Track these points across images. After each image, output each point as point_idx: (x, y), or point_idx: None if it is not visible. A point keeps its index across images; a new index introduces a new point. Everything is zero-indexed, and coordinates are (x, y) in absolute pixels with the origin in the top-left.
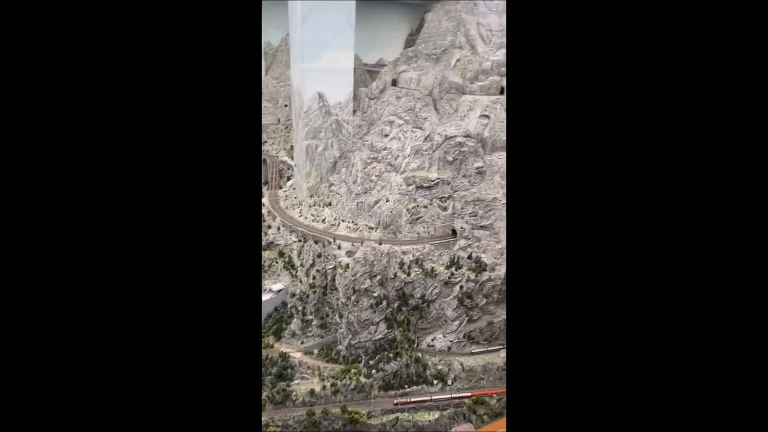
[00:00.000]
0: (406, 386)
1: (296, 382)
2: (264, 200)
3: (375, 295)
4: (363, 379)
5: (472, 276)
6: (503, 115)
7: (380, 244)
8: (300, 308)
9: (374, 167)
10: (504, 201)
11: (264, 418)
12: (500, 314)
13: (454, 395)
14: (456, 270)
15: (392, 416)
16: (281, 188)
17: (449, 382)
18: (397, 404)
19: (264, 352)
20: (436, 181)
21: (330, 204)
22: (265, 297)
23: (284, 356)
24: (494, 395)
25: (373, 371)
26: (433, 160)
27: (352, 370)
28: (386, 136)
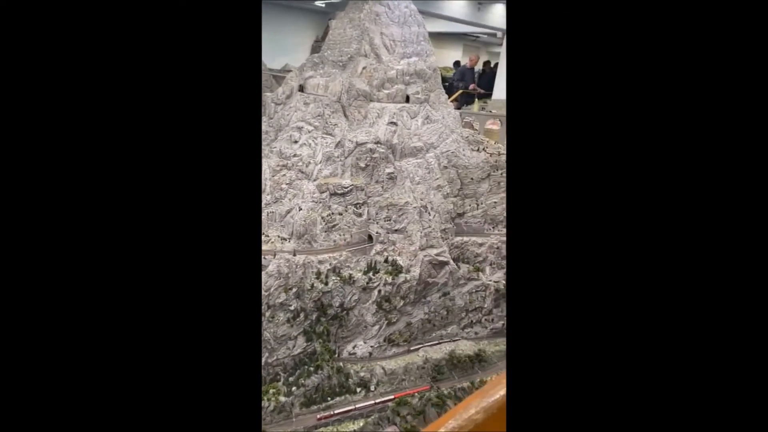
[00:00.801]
0: (329, 399)
1: None
2: None
3: (291, 308)
4: (283, 398)
5: (389, 279)
6: (410, 122)
7: (294, 255)
8: None
9: (284, 175)
10: (415, 205)
11: None
12: (417, 314)
13: (377, 400)
14: (374, 275)
15: None
16: None
17: (372, 387)
18: (320, 419)
19: None
20: (349, 188)
21: None
22: None
23: None
24: (416, 394)
25: (294, 388)
26: (346, 166)
27: (271, 390)
28: (296, 142)
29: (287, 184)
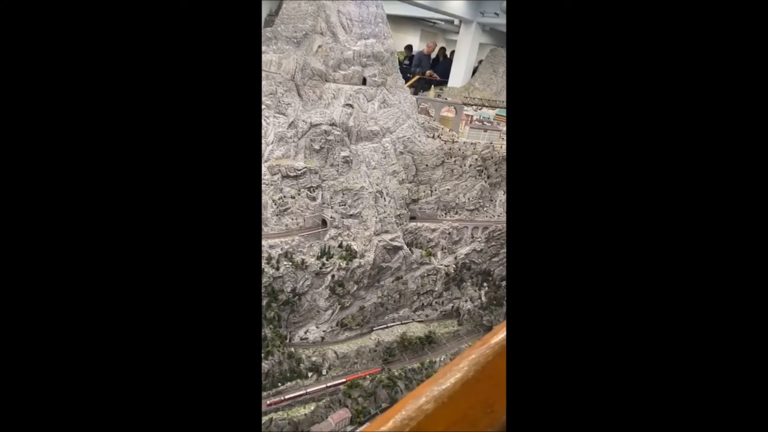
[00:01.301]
0: (280, 384)
1: None
2: None
3: None
4: None
5: (343, 264)
6: (366, 105)
7: None
8: None
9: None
10: (371, 190)
11: None
12: (370, 298)
13: (328, 384)
14: (327, 260)
15: (265, 418)
16: None
17: (324, 371)
18: (270, 404)
19: None
20: (303, 170)
21: None
22: None
23: None
24: (368, 376)
25: None
26: (299, 148)
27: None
28: None
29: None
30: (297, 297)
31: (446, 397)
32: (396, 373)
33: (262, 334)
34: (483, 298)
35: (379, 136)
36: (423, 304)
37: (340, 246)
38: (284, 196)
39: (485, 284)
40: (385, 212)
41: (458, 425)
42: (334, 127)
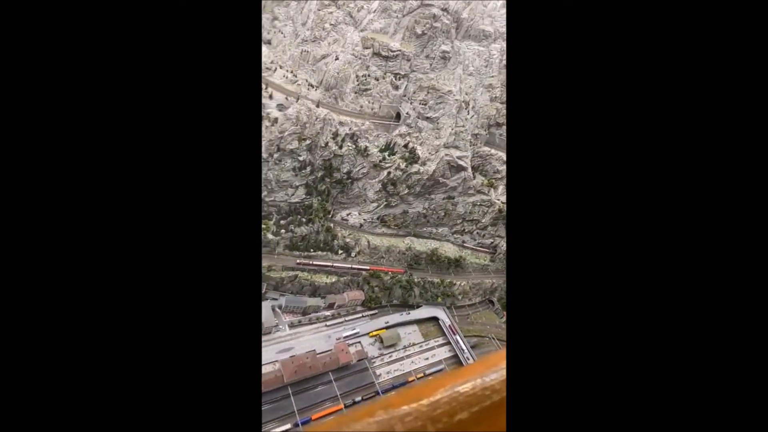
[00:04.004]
0: (312, 250)
1: None
2: None
3: (300, 159)
4: (270, 236)
5: (403, 165)
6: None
7: (318, 106)
8: None
9: (331, 13)
10: (458, 97)
11: None
12: (416, 206)
13: (354, 266)
14: (389, 155)
15: (292, 273)
16: None
17: (353, 254)
18: (298, 263)
19: None
20: (396, 53)
21: (269, 42)
22: None
23: None
24: (390, 273)
25: (283, 231)
26: (400, 26)
27: (261, 226)
28: None
29: (331, 24)
30: (350, 180)
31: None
32: (416, 280)
33: (310, 201)
34: None
35: (489, 40)
36: (464, 229)
37: (405, 146)
38: (368, 75)
39: None
40: (463, 127)
41: None
42: (445, 14)
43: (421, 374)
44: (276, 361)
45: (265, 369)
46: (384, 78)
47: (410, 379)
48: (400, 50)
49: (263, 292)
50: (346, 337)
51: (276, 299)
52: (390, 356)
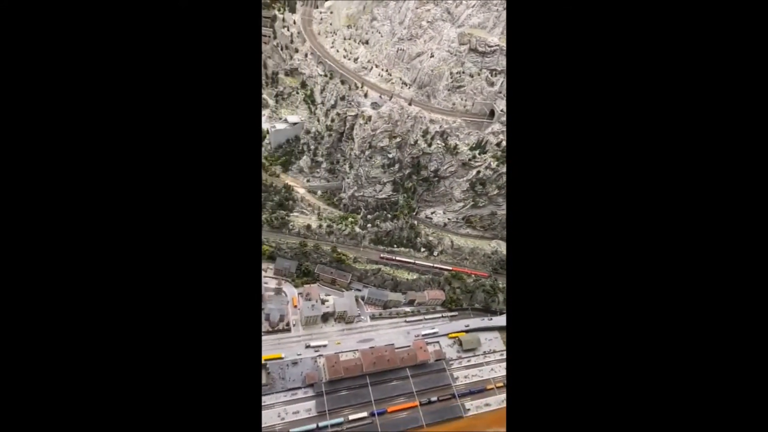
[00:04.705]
0: (395, 246)
1: (295, 214)
2: (296, 17)
3: (390, 156)
4: (357, 230)
5: (494, 164)
6: None
7: (410, 104)
8: (312, 147)
9: (428, 10)
10: None
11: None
12: (505, 207)
13: (436, 265)
14: (480, 154)
15: (375, 267)
16: (317, 8)
17: (435, 253)
18: (382, 258)
19: (269, 180)
20: (494, 48)
21: (367, 42)
22: (279, 126)
23: (288, 188)
24: (473, 275)
25: (369, 225)
26: (500, 20)
27: (350, 219)
28: None
29: (428, 22)
30: (437, 178)
31: None
32: (501, 286)
33: (396, 198)
34: None
35: None
36: None
37: (498, 145)
38: (463, 72)
39: None
40: None
41: None
42: None
43: (500, 383)
44: (356, 350)
45: (345, 356)
46: (479, 74)
47: (488, 387)
48: (498, 45)
49: (348, 282)
50: (425, 335)
51: (359, 290)
52: (468, 360)
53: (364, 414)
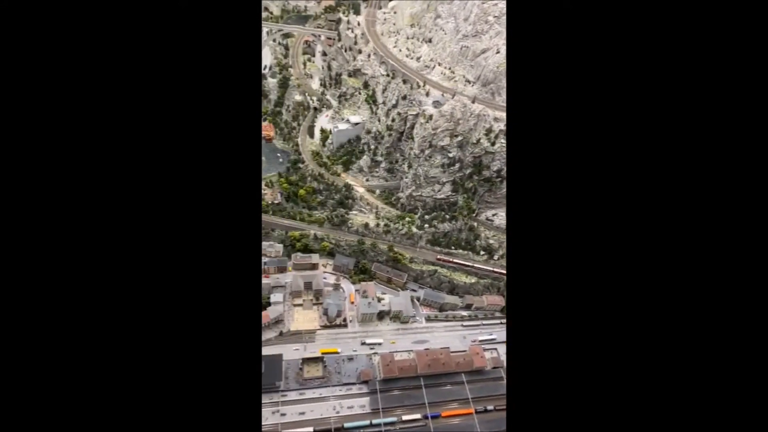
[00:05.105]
0: (453, 248)
1: (354, 212)
2: (359, 19)
3: (450, 155)
4: (415, 230)
5: None
6: None
7: (473, 102)
8: (372, 147)
9: (495, 4)
10: None
11: (320, 233)
12: None
13: (496, 269)
14: None
15: (432, 268)
16: (381, 9)
17: (496, 257)
18: (439, 259)
19: (330, 179)
20: None
21: (430, 41)
22: (341, 126)
23: (348, 187)
24: None
25: (426, 225)
26: None
27: (407, 219)
28: None
29: (495, 17)
30: (499, 179)
31: None
32: None
33: (456, 199)
34: None
35: None
36: None
37: None
38: None
39: None
40: None
41: None
42: None
43: None
44: (411, 350)
45: (400, 356)
46: None
47: None
48: None
49: (404, 282)
50: (482, 341)
51: (415, 291)
52: None
53: (418, 416)
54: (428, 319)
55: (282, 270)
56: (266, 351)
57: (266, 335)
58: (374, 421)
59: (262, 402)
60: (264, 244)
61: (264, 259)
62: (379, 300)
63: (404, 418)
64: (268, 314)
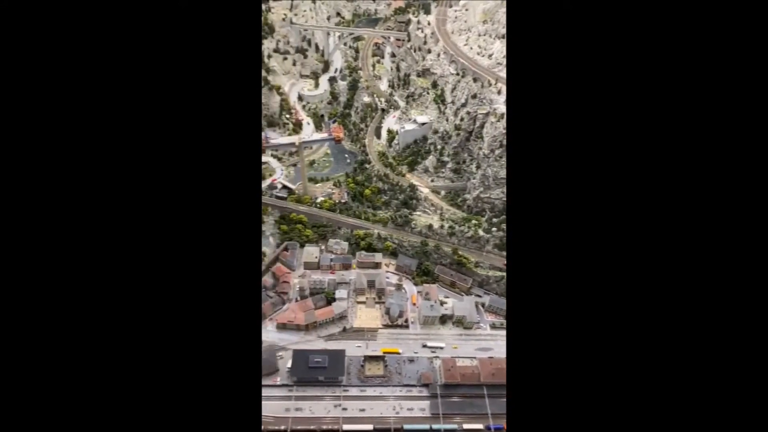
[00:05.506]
0: None
1: (418, 213)
2: (430, 18)
3: None
4: (482, 233)
5: None
6: None
7: None
8: (439, 147)
9: None
10: None
11: (384, 233)
12: None
13: None
14: None
15: (499, 273)
16: (452, 7)
17: None
18: (506, 265)
19: (395, 179)
20: None
21: (503, 37)
22: (408, 126)
23: (413, 187)
24: None
25: (494, 229)
26: None
27: (473, 221)
28: None
29: None
30: None
31: None
32: None
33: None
34: None
35: None
36: None
37: None
38: None
39: None
40: None
41: None
42: None
43: None
44: (474, 357)
45: (462, 362)
46: None
47: None
48: None
49: (468, 286)
50: None
51: (480, 296)
52: None
53: (480, 426)
54: (493, 326)
55: (347, 267)
56: (330, 346)
57: (330, 330)
58: (434, 426)
59: (325, 394)
60: (330, 241)
61: (330, 256)
62: (442, 303)
63: (465, 426)
64: (332, 309)
